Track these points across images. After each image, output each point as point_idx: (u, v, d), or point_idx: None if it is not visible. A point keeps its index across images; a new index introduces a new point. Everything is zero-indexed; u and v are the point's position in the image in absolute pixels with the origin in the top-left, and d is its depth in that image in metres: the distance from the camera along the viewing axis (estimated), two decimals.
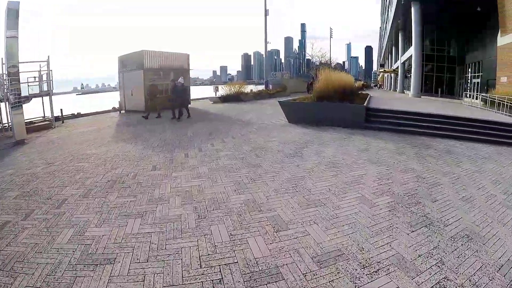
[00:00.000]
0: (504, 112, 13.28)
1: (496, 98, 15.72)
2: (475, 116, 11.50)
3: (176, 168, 6.15)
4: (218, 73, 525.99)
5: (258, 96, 27.82)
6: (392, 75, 53.27)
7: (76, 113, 18.43)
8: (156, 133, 10.37)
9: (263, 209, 4.15)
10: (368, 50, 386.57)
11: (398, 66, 42.94)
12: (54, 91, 14.60)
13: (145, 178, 5.61)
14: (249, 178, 5.41)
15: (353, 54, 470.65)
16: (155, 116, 14.18)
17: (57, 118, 14.44)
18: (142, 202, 4.47)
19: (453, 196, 4.74)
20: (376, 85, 77.96)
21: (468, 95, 23.23)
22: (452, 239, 3.42)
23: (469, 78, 29.04)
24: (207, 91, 35.70)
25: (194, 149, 7.73)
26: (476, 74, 26.88)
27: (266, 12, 33.84)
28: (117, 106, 20.17)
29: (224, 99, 24.63)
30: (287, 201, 4.41)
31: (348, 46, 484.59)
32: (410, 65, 37.76)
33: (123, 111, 19.34)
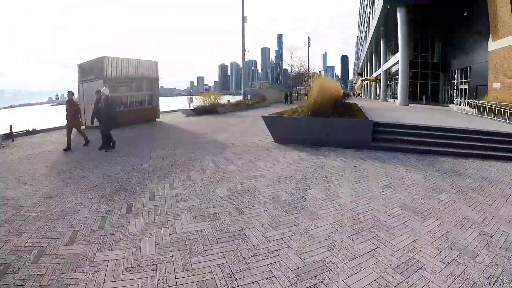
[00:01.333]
0: (508, 121, 12.30)
1: (496, 105, 14.51)
2: (490, 129, 9.83)
3: (105, 239, 3.61)
4: (196, 83, 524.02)
5: (236, 107, 25.54)
6: (372, 83, 52.45)
7: (31, 129, 15.74)
8: (103, 163, 7.70)
9: None
10: (344, 59, 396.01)
11: (379, 74, 41.90)
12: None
13: (52, 264, 3.09)
14: (227, 275, 2.92)
15: (329, 64, 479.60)
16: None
17: (8, 135, 12.70)
18: None
19: None
20: (354, 94, 77.63)
21: (459, 102, 22.29)
22: None
23: (455, 84, 28.22)
24: (183, 102, 33.07)
25: (143, 195, 5.15)
26: (463, 80, 26.09)
27: (244, 19, 31.91)
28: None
29: (199, 111, 22.16)
30: None
31: (324, 56, 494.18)
32: (393, 72, 36.78)
33: (83, 127, 16.69)
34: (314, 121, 8.69)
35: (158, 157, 8.07)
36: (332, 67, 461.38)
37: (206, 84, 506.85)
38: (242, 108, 26.37)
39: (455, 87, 28.15)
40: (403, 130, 9.53)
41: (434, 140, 8.99)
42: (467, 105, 20.24)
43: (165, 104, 42.58)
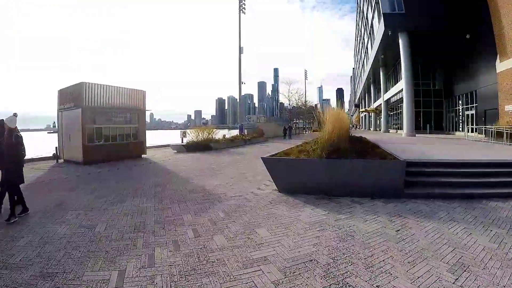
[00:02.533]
0: None
1: None
2: None
3: None
4: (193, 117, 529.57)
5: (231, 143, 23.62)
6: (372, 114, 51.34)
7: None
8: (51, 218, 5.57)
9: None
10: (340, 92, 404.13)
11: (379, 105, 40.78)
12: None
13: None
14: None
15: (324, 97, 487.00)
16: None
17: None
18: None
19: None
20: (352, 126, 76.61)
21: (469, 129, 21.04)
22: None
23: (460, 110, 27.07)
24: (176, 136, 31.20)
25: None
26: (470, 106, 25.05)
27: (241, 50, 30.98)
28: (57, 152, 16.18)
29: (190, 147, 20.24)
30: None
31: (320, 89, 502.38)
32: (393, 102, 35.63)
33: (61, 160, 15.38)
34: (331, 164, 6.63)
35: (122, 213, 5.97)
36: (328, 100, 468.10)
37: (203, 118, 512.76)
38: (238, 144, 24.50)
39: (460, 113, 27.03)
40: (437, 170, 7.59)
41: (476, 180, 7.17)
42: (477, 132, 19.30)
43: (158, 137, 40.73)
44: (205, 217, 5.62)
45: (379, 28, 27.50)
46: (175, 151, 20.14)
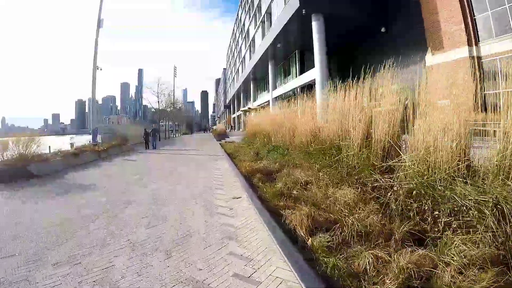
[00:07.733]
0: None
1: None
2: None
3: None
4: (50, 121, 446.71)
5: (75, 159, 13.58)
6: (252, 114, 47.39)
7: None
8: None
9: None
10: (204, 95, 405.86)
11: (265, 102, 36.61)
12: None
13: None
14: None
15: (189, 99, 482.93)
16: None
17: None
18: None
19: None
20: (229, 127, 73.23)
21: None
22: None
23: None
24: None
25: None
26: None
27: (100, 23, 21.20)
28: None
29: None
30: None
31: (184, 92, 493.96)
32: (286, 98, 31.89)
33: None
34: None
35: None
36: (192, 102, 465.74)
37: (61, 123, 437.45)
38: (87, 160, 14.61)
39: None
40: None
41: None
42: None
43: None
44: None
45: (284, 10, 22.98)
46: None
